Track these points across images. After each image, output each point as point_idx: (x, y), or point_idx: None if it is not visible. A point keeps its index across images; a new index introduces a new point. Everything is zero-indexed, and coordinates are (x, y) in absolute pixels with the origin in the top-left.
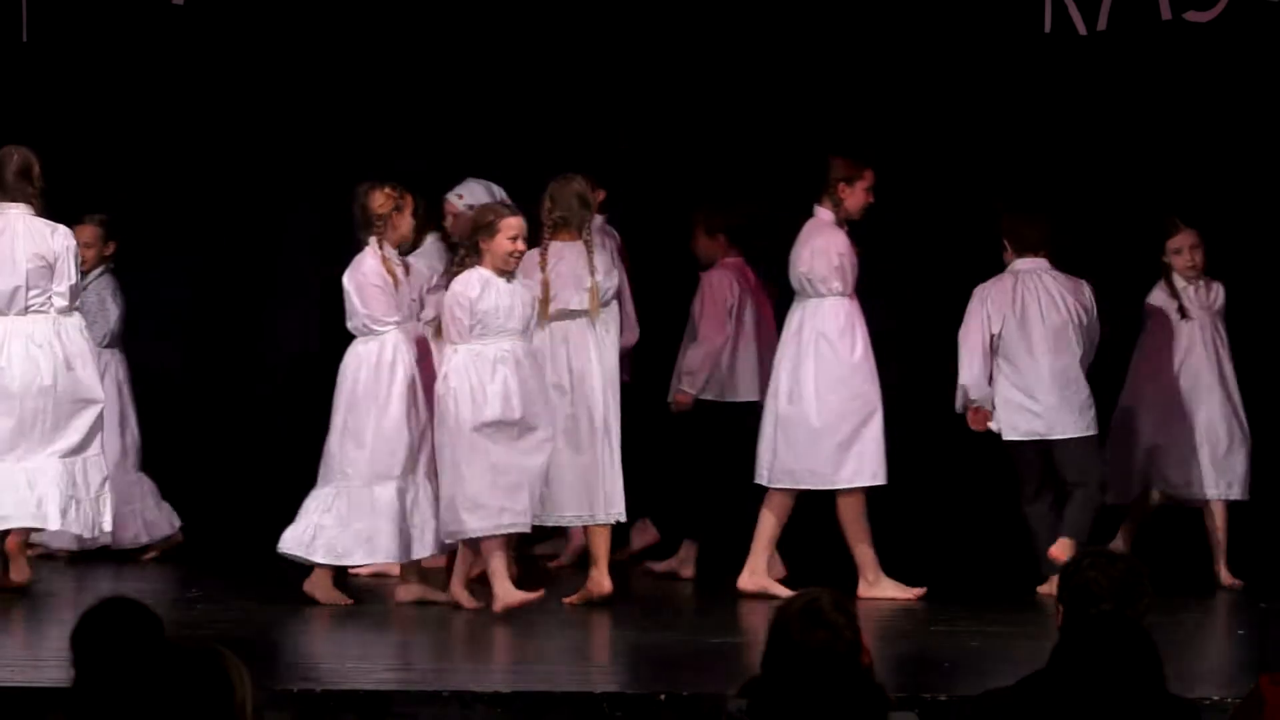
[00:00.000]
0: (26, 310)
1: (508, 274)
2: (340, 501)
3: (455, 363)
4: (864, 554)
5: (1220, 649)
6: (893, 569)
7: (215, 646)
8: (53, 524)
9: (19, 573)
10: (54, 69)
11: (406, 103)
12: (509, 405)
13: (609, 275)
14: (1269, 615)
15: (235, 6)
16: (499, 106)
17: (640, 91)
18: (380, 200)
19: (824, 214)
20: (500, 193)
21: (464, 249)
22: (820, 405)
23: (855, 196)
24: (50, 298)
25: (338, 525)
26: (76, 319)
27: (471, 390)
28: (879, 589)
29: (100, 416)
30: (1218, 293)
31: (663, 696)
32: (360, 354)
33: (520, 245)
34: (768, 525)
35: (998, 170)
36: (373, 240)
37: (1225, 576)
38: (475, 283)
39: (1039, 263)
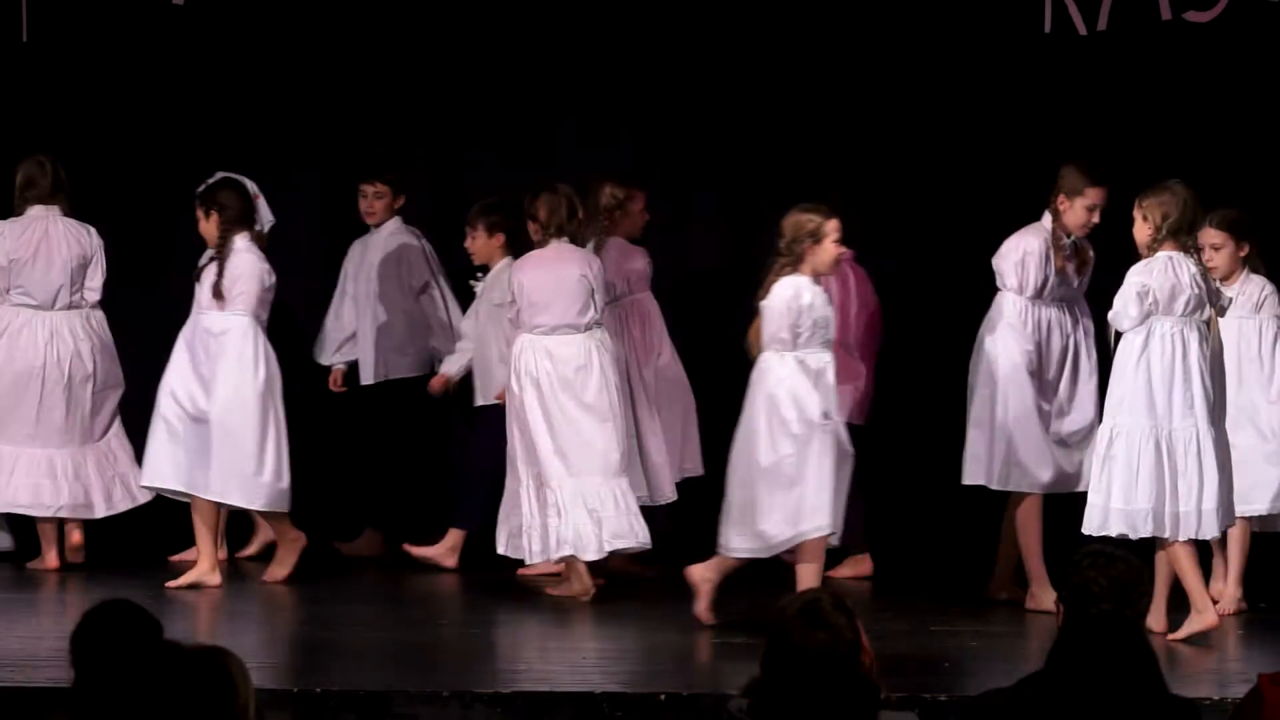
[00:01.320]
0: (69, 306)
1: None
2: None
3: (785, 371)
4: (1014, 561)
5: (1220, 649)
6: (893, 567)
7: (217, 646)
8: (99, 513)
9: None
10: (54, 69)
11: (407, 103)
12: (830, 414)
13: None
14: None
15: (235, 6)
16: (497, 106)
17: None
18: (622, 198)
19: (1046, 219)
20: (253, 187)
21: (784, 257)
22: (974, 398)
23: (1075, 213)
24: (84, 293)
25: (606, 515)
26: (100, 313)
27: (801, 399)
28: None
29: (118, 400)
30: (1253, 293)
31: (663, 696)
32: (592, 348)
33: (842, 247)
34: (1023, 536)
35: (997, 170)
36: (594, 239)
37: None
38: (805, 290)
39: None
